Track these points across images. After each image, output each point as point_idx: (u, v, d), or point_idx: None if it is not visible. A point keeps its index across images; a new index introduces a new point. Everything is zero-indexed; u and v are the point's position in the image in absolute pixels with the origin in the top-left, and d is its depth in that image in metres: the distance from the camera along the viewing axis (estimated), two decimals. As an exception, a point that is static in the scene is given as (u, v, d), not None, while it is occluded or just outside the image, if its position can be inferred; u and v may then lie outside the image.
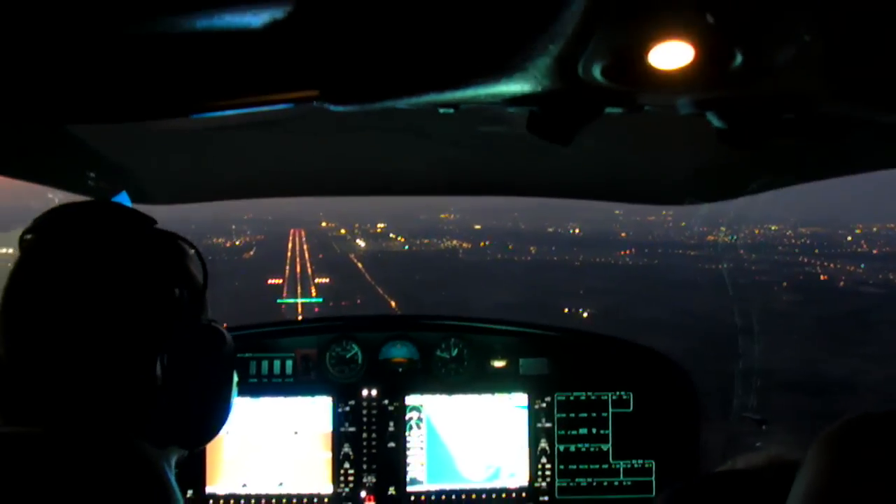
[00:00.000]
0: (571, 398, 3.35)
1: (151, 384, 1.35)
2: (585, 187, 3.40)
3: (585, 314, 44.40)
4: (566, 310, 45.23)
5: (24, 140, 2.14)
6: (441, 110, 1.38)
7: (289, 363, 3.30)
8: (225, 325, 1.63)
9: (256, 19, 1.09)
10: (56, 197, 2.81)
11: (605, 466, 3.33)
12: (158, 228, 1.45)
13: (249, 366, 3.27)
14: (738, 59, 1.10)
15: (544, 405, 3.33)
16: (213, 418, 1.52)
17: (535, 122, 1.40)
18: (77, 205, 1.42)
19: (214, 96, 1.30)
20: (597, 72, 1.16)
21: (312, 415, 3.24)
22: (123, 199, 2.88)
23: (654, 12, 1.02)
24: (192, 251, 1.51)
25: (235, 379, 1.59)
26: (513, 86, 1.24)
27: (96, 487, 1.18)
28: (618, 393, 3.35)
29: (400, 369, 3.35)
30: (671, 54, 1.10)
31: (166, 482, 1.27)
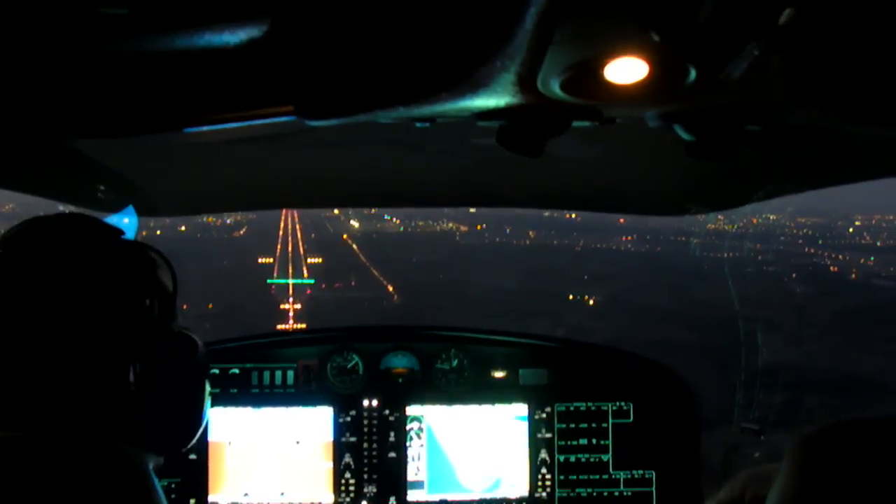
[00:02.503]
0: (571, 409, 3.47)
1: (123, 392, 1.44)
2: (586, 199, 3.50)
3: (591, 301, 44.36)
4: (571, 296, 45.19)
5: (32, 157, 2.25)
6: (418, 124, 1.47)
7: (290, 373, 3.42)
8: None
9: (234, 37, 1.17)
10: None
11: (606, 477, 3.45)
12: (127, 240, 1.55)
13: (251, 376, 3.40)
14: (692, 73, 1.17)
15: (544, 416, 3.46)
16: (186, 425, 1.61)
17: (504, 135, 1.50)
18: (47, 218, 1.51)
19: (193, 113, 1.39)
20: (556, 87, 1.24)
21: (314, 425, 3.37)
22: (130, 212, 3.01)
23: (604, 30, 1.09)
24: (162, 261, 1.60)
25: (208, 388, 1.68)
26: (479, 101, 1.33)
27: (82, 488, 1.25)
28: (618, 403, 3.48)
29: (400, 380, 3.47)
30: (625, 70, 1.17)
31: (150, 482, 1.34)
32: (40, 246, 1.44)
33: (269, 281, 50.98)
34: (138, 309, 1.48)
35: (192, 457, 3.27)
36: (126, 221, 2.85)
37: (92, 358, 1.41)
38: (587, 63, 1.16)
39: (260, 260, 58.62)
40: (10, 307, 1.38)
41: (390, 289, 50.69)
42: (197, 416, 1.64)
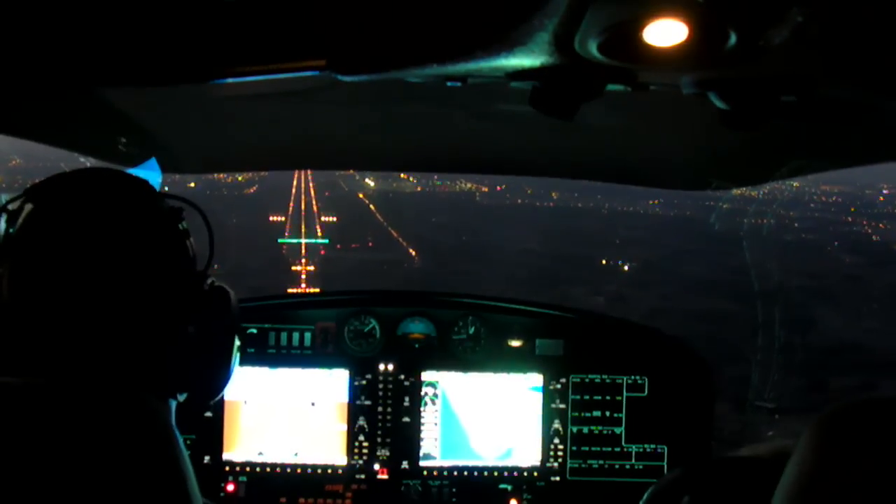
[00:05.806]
0: (586, 380, 3.64)
1: (156, 342, 1.56)
2: (607, 169, 3.63)
3: (626, 267, 43.76)
4: (604, 261, 44.62)
5: (56, 107, 2.35)
6: (449, 83, 1.55)
7: (308, 335, 3.62)
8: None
9: None
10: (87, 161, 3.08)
11: (618, 450, 3.64)
12: (165, 193, 1.65)
13: (269, 337, 3.59)
14: (733, 38, 1.21)
15: (559, 386, 3.63)
16: (216, 377, 1.73)
17: (538, 96, 1.55)
18: (89, 170, 1.60)
19: (224, 64, 1.48)
20: (593, 48, 1.28)
21: (329, 387, 3.58)
22: (152, 166, 3.16)
23: None
24: (199, 213, 1.73)
25: (237, 342, 1.79)
26: (514, 60, 1.39)
27: (101, 436, 1.29)
28: (633, 377, 3.64)
29: (417, 345, 3.66)
30: (665, 32, 1.21)
31: (171, 434, 1.39)
32: (80, 197, 1.53)
33: (280, 240, 50.80)
34: (173, 261, 1.59)
35: (208, 414, 3.49)
36: (148, 176, 2.97)
37: (125, 308, 1.50)
38: (627, 24, 1.20)
39: (271, 218, 58.40)
40: (48, 256, 1.48)
41: (412, 252, 50.40)
42: (227, 369, 1.75)
